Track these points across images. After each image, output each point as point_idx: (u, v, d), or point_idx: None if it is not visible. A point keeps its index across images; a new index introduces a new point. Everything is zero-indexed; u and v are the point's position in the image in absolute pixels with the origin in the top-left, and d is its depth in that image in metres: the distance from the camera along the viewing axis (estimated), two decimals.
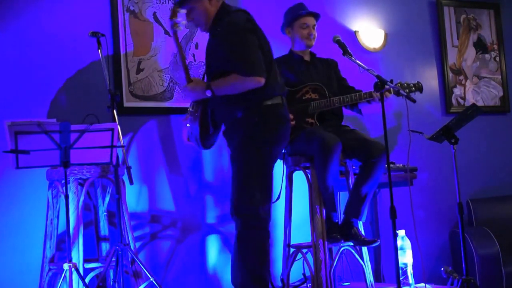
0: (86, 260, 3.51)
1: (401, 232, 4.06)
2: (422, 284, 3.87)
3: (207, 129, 3.44)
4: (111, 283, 3.49)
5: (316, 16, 4.01)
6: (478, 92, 5.39)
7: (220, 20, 3.30)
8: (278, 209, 4.28)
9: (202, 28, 3.43)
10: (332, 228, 3.76)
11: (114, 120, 3.42)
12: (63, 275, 3.16)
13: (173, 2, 3.59)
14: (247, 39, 3.23)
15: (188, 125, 3.45)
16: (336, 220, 3.80)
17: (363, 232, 3.82)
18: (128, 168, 3.35)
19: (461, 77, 5.33)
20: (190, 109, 3.45)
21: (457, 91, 5.30)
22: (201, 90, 3.30)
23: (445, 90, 5.24)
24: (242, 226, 3.27)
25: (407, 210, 3.55)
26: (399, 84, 3.81)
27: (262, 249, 3.29)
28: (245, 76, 3.18)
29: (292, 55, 4.03)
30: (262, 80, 3.20)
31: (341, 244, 3.79)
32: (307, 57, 4.04)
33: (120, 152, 3.51)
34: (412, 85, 3.83)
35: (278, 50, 4.15)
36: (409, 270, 4.04)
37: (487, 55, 5.48)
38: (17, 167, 3.08)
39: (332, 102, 3.85)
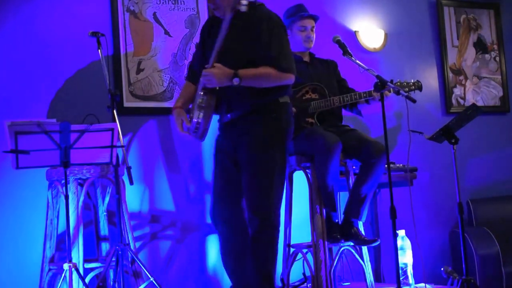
0: (86, 260, 3.51)
1: (401, 232, 4.06)
2: (422, 284, 3.87)
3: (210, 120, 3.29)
4: (111, 283, 3.48)
5: (315, 18, 4.00)
6: (478, 92, 5.39)
7: (246, 11, 3.14)
8: None
9: (220, 14, 3.24)
10: (332, 228, 3.76)
11: (114, 120, 3.42)
12: (63, 275, 3.16)
13: None
14: (285, 35, 3.23)
15: (199, 120, 3.20)
16: (336, 220, 3.80)
17: (363, 232, 3.82)
18: (128, 168, 3.35)
19: (461, 77, 5.33)
20: (201, 103, 3.20)
21: (457, 91, 5.30)
22: (227, 76, 3.09)
23: (445, 90, 5.24)
24: (262, 226, 3.19)
25: (407, 210, 3.54)
26: (398, 83, 3.80)
27: (277, 249, 3.29)
28: (282, 72, 3.14)
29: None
30: (293, 78, 3.21)
31: (341, 244, 3.79)
32: (306, 58, 4.04)
33: (120, 152, 3.51)
34: (411, 83, 3.83)
35: None
36: (409, 270, 4.04)
37: (487, 55, 5.48)
38: (17, 167, 3.08)
39: (332, 102, 3.85)
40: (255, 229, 3.20)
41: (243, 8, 3.08)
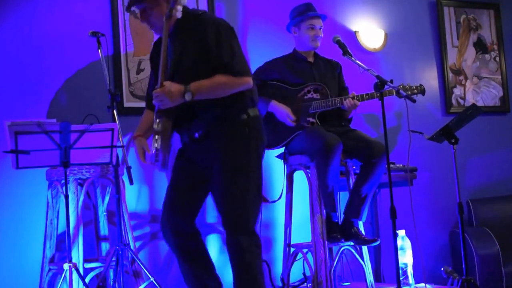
0: (86, 260, 3.51)
1: (401, 232, 4.06)
2: (422, 284, 3.87)
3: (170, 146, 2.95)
4: (111, 283, 3.48)
5: (323, 18, 4.00)
6: (478, 92, 5.39)
7: (191, 22, 2.93)
8: (279, 209, 4.29)
9: (159, 32, 3.02)
10: (332, 228, 3.76)
11: (114, 120, 3.42)
12: (63, 275, 3.16)
13: None
14: (235, 38, 2.94)
15: (157, 147, 2.87)
16: (336, 220, 3.80)
17: (363, 232, 3.82)
18: (128, 168, 3.35)
19: (461, 77, 5.33)
20: (157, 128, 2.89)
21: (457, 91, 5.30)
22: (178, 93, 2.80)
23: (445, 90, 5.24)
24: (249, 244, 2.90)
25: (407, 210, 3.55)
26: (401, 86, 3.81)
27: (261, 267, 3.00)
28: (237, 77, 2.85)
29: (296, 55, 4.03)
30: (251, 81, 2.91)
31: (341, 244, 3.79)
32: (310, 58, 4.03)
33: (120, 152, 3.51)
34: (414, 87, 3.84)
35: (278, 49, 4.16)
36: (409, 270, 4.04)
37: (487, 55, 5.48)
38: (17, 167, 3.08)
39: (334, 102, 3.85)
40: (244, 249, 2.90)
41: (179, 14, 2.87)
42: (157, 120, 2.88)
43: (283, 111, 3.84)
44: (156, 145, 2.87)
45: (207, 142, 2.94)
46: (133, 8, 3.02)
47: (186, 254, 3.06)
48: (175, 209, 3.06)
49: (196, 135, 2.97)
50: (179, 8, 2.86)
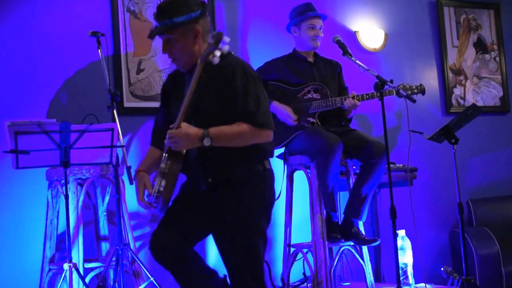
0: (86, 260, 3.51)
1: (401, 232, 4.07)
2: (422, 284, 3.87)
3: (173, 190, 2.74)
4: (111, 283, 3.48)
5: (323, 18, 4.01)
6: (478, 92, 5.39)
7: (213, 64, 2.62)
8: (279, 209, 4.28)
9: (179, 67, 2.82)
10: (332, 228, 3.76)
11: (114, 120, 3.42)
12: (63, 275, 3.16)
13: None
14: (262, 87, 2.74)
15: (160, 188, 2.69)
16: (336, 220, 3.80)
17: (363, 232, 3.82)
18: (128, 168, 3.35)
19: (461, 77, 5.33)
20: (164, 169, 2.68)
21: (457, 91, 5.30)
22: (196, 137, 2.59)
23: (445, 90, 5.24)
24: None
25: (407, 210, 3.55)
26: (401, 86, 3.81)
27: None
28: (259, 128, 2.65)
29: (296, 55, 4.03)
30: (272, 136, 2.72)
31: (341, 244, 3.79)
32: (310, 58, 4.03)
33: (120, 152, 3.51)
34: (414, 87, 3.83)
35: (279, 49, 4.16)
36: (409, 270, 4.04)
37: (487, 55, 5.48)
38: (17, 167, 3.08)
39: (334, 102, 3.85)
40: None
41: (216, 60, 2.58)
42: (166, 161, 2.67)
43: (284, 111, 3.84)
44: (159, 187, 2.68)
45: (218, 193, 2.72)
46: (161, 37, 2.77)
47: (177, 275, 2.90)
48: (171, 232, 2.82)
49: (203, 185, 2.75)
50: (218, 53, 2.58)
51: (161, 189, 2.67)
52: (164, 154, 2.70)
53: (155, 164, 2.87)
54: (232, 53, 2.79)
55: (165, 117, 2.92)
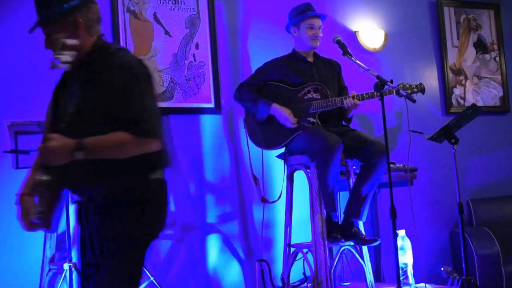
0: None
1: (401, 232, 4.06)
2: (422, 284, 3.87)
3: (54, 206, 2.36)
4: None
5: (322, 17, 4.00)
6: (478, 92, 5.39)
7: (99, 60, 2.34)
8: (279, 209, 4.29)
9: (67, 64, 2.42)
10: (333, 228, 3.76)
11: None
12: (63, 275, 3.16)
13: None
14: (147, 89, 2.31)
15: (40, 207, 2.35)
16: (336, 220, 3.80)
17: (363, 232, 3.82)
18: None
19: (461, 77, 5.34)
20: (41, 181, 2.32)
21: (457, 91, 5.30)
22: (67, 150, 2.20)
23: (445, 90, 5.24)
24: None
25: (407, 210, 3.55)
26: (401, 85, 3.81)
27: None
28: (142, 137, 2.23)
29: (295, 55, 4.03)
30: (159, 144, 2.30)
31: (342, 244, 3.79)
32: (310, 58, 4.03)
33: None
34: (414, 86, 3.83)
35: (279, 49, 4.16)
36: (409, 270, 4.04)
37: (487, 55, 5.48)
38: (17, 167, 3.08)
39: (334, 102, 3.85)
40: None
41: (66, 59, 2.31)
42: (42, 175, 2.31)
43: (283, 114, 3.84)
44: (39, 206, 2.35)
45: (89, 210, 2.33)
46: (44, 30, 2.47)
47: None
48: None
49: (77, 198, 2.40)
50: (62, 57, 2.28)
51: (41, 207, 2.35)
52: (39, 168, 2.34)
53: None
54: (125, 48, 2.47)
55: (54, 123, 2.43)
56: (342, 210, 3.86)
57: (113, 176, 2.29)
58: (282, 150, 3.97)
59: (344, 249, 3.87)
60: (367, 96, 3.82)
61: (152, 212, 2.35)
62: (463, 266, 3.47)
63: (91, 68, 2.34)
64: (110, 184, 2.28)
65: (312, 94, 3.90)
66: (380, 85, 3.27)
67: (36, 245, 3.66)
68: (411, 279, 4.03)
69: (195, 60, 4.35)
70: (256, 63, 4.15)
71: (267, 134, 3.91)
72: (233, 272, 4.32)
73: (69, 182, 2.35)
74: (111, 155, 2.27)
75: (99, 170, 2.28)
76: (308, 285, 3.95)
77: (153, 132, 2.28)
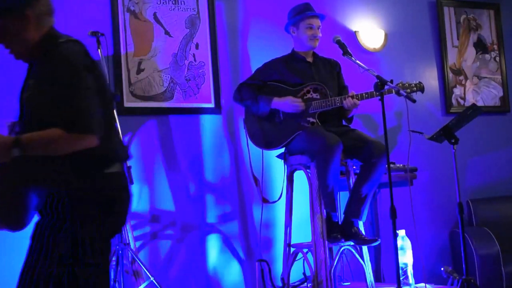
0: None
1: (401, 232, 4.07)
2: (422, 284, 3.87)
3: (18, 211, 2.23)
4: (111, 282, 3.49)
5: (321, 17, 4.00)
6: (478, 92, 5.39)
7: (46, 52, 2.29)
8: (279, 209, 4.29)
9: (17, 58, 2.45)
10: (333, 228, 3.76)
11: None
12: None
13: None
14: (81, 82, 2.22)
15: None
16: (336, 220, 3.80)
17: (363, 232, 3.82)
18: (128, 168, 3.35)
19: (461, 77, 5.34)
20: None
21: (457, 91, 5.30)
22: (3, 147, 2.14)
23: (445, 90, 5.24)
24: None
25: (407, 210, 3.55)
26: (400, 84, 3.81)
27: None
28: (75, 133, 2.14)
29: (294, 55, 4.03)
30: (95, 140, 2.18)
31: (342, 244, 3.79)
32: (309, 58, 4.03)
33: None
34: (413, 85, 3.83)
35: (279, 49, 4.17)
36: (409, 270, 4.04)
37: (487, 55, 5.48)
38: None
39: (334, 102, 3.85)
40: None
41: None
42: None
43: (286, 102, 3.83)
44: None
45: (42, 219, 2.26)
46: None
47: None
48: None
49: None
50: None
51: None
52: None
53: None
54: (75, 40, 2.35)
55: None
56: (342, 210, 3.86)
57: (63, 174, 2.20)
58: (282, 150, 3.97)
59: (344, 249, 3.87)
60: (367, 95, 3.82)
61: (112, 208, 2.25)
62: (463, 266, 3.47)
63: (37, 62, 2.32)
64: (65, 182, 2.20)
65: (311, 94, 3.90)
66: (380, 85, 3.27)
67: None
68: (411, 279, 4.03)
69: (195, 60, 4.35)
70: (256, 63, 4.15)
71: (267, 134, 3.91)
72: (233, 272, 4.33)
73: (23, 181, 2.22)
74: (46, 152, 2.20)
75: (45, 168, 2.21)
76: (308, 285, 3.95)
77: (87, 128, 2.18)
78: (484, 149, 5.37)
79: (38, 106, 2.26)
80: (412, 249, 4.08)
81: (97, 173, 2.23)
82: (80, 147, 2.17)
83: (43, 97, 2.22)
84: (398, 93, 3.33)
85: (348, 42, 4.06)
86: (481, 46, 5.46)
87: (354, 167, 3.94)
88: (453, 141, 3.52)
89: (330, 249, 3.90)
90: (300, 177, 3.98)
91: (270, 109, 3.87)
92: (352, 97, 3.80)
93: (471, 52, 5.41)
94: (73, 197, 2.18)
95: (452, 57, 5.31)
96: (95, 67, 2.29)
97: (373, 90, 3.46)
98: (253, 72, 4.10)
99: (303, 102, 3.88)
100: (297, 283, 4.14)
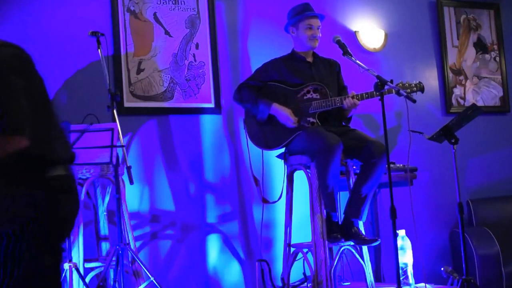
0: (86, 260, 3.51)
1: (401, 232, 4.06)
2: (422, 284, 3.87)
3: None
4: (111, 282, 3.49)
5: (321, 17, 4.00)
6: (478, 92, 5.39)
7: None
8: (279, 209, 4.29)
9: None
10: (333, 228, 3.76)
11: (114, 120, 3.42)
12: (63, 275, 3.16)
13: None
14: (9, 82, 2.18)
15: None
16: (336, 220, 3.80)
17: (363, 232, 3.82)
18: (128, 168, 3.35)
19: (461, 77, 5.34)
20: None
21: (457, 91, 5.30)
22: None
23: (445, 90, 5.24)
24: None
25: (407, 210, 3.55)
26: (400, 84, 3.81)
27: None
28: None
29: (294, 55, 4.02)
30: (23, 140, 2.04)
31: (342, 244, 3.79)
32: (309, 58, 4.03)
33: (120, 151, 3.51)
34: (413, 85, 3.82)
35: (279, 49, 4.16)
36: (409, 270, 4.04)
37: (487, 55, 5.48)
38: None
39: (333, 102, 3.85)
40: None
41: None
42: None
43: (284, 114, 3.84)
44: None
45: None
46: None
47: None
48: None
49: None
50: None
51: None
52: None
53: None
54: (7, 45, 2.33)
55: None
56: (342, 210, 3.86)
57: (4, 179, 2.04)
58: (282, 150, 3.97)
59: (344, 249, 3.86)
60: (367, 95, 3.82)
61: (56, 212, 2.10)
62: (463, 266, 3.47)
63: None
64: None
65: (311, 94, 3.90)
66: (380, 85, 3.27)
67: None
68: (411, 279, 4.03)
69: (195, 60, 4.35)
70: (256, 63, 4.15)
71: (267, 134, 3.91)
72: (233, 272, 4.33)
73: None
74: None
75: None
76: (308, 285, 3.95)
77: (18, 127, 2.05)
78: (484, 149, 5.36)
79: None
80: (412, 249, 4.08)
81: (33, 178, 2.07)
82: (10, 150, 2.03)
83: None
84: (398, 93, 3.33)
85: (348, 42, 4.06)
86: (481, 46, 5.46)
87: (354, 167, 3.94)
88: (453, 141, 3.52)
89: (330, 249, 3.90)
90: (300, 177, 3.98)
91: (269, 114, 3.87)
92: (352, 97, 3.80)
93: (471, 52, 5.41)
94: (10, 206, 2.01)
95: (452, 57, 5.31)
96: (26, 71, 2.30)
97: (373, 90, 3.46)
98: (253, 72, 4.10)
99: (303, 102, 3.88)
100: (297, 283, 4.14)
